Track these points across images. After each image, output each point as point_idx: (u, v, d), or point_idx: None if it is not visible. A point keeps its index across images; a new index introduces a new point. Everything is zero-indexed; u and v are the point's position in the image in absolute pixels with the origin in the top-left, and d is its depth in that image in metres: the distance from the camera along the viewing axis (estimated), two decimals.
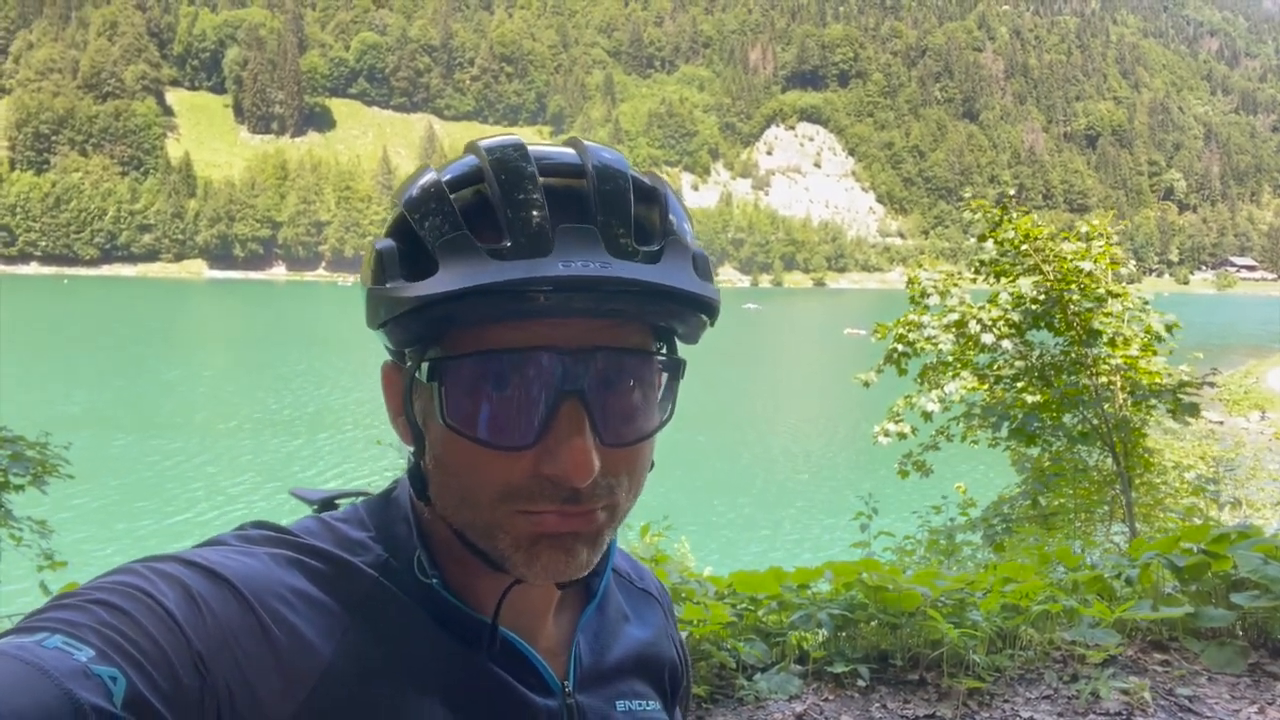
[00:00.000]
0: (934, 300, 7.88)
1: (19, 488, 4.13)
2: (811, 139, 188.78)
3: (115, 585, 0.57)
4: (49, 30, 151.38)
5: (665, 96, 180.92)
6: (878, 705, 3.11)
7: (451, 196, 0.64)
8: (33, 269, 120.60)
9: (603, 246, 0.61)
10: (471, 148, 0.68)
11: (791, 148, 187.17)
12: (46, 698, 0.47)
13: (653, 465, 0.71)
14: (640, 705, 0.79)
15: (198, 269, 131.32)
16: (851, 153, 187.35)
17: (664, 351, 0.68)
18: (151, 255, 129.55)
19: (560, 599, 0.76)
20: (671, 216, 0.67)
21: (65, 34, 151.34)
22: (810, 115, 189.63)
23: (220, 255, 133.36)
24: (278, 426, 27.85)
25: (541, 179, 0.63)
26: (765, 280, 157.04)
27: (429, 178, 0.66)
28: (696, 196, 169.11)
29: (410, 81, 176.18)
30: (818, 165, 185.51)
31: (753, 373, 44.19)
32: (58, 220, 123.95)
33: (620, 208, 0.64)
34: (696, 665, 3.18)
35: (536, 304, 0.59)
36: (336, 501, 3.63)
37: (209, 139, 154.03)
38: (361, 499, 0.77)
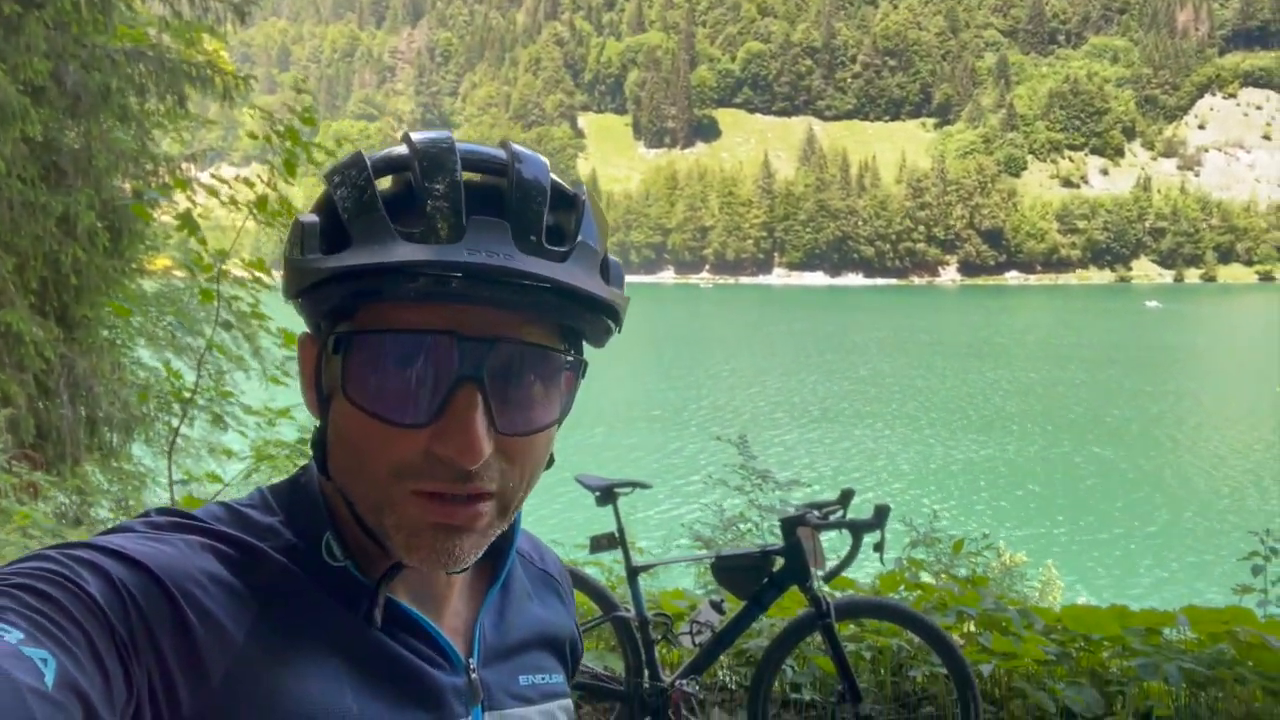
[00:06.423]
0: None
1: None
2: (1259, 107, 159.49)
3: (35, 571, 0.57)
4: (488, 71, 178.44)
5: (1070, 73, 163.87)
6: None
7: (375, 179, 0.66)
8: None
9: (512, 240, 0.63)
10: (404, 138, 0.70)
11: (1232, 119, 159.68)
12: None
13: (552, 461, 0.73)
14: (543, 678, 0.82)
15: None
16: None
17: (568, 351, 0.70)
18: None
19: (466, 580, 0.79)
20: (584, 223, 0.69)
21: (500, 73, 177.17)
22: (1257, 80, 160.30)
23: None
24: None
25: (465, 174, 0.66)
26: (1193, 275, 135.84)
27: (357, 160, 0.68)
28: (1105, 181, 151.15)
29: (792, 85, 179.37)
30: (1267, 138, 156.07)
31: (1148, 380, 38.44)
32: None
33: (534, 208, 0.66)
34: (1009, 704, 2.72)
35: (442, 288, 0.61)
36: (616, 491, 3.49)
37: (612, 156, 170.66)
38: (269, 485, 0.77)
